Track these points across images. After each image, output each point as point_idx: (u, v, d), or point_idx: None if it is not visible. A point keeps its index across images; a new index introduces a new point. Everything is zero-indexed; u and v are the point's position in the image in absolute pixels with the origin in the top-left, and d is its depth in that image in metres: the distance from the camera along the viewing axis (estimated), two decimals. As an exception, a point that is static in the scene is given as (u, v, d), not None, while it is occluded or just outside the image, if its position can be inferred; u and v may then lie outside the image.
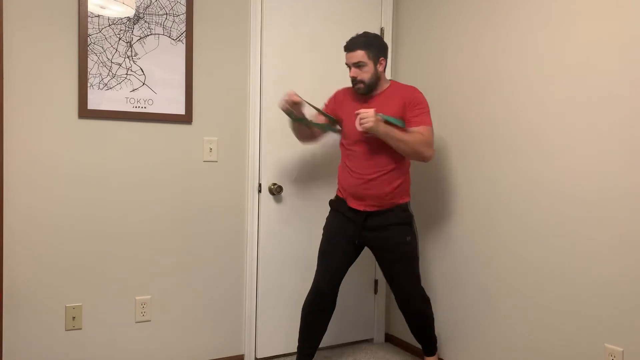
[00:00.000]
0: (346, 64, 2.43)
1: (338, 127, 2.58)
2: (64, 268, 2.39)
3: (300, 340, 2.56)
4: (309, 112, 2.49)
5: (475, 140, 2.60)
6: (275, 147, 2.83)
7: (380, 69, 2.41)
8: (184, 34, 2.58)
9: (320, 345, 2.97)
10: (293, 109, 2.41)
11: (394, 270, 2.48)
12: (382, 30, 3.09)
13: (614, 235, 2.02)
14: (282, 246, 2.88)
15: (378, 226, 2.43)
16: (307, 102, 2.42)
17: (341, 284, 2.86)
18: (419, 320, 2.56)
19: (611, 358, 2.02)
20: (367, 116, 2.22)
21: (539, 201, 2.29)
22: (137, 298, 2.55)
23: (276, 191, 2.81)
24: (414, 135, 2.34)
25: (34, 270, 2.33)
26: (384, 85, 2.47)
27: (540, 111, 2.28)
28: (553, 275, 2.24)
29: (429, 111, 2.43)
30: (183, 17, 2.57)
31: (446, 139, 2.76)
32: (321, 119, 2.55)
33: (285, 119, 2.83)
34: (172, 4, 2.55)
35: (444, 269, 2.79)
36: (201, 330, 2.71)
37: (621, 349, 1.99)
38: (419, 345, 2.94)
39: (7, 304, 2.28)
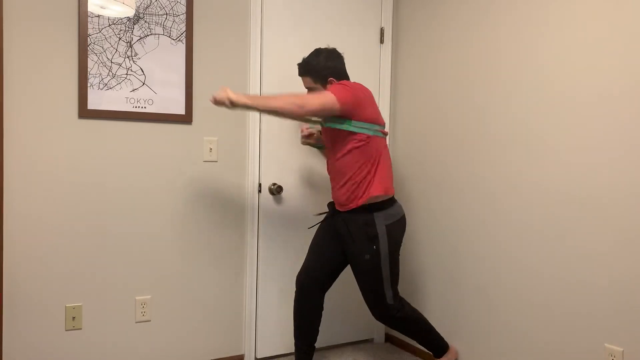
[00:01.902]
0: None
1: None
2: (64, 268, 2.39)
3: (295, 338, 2.57)
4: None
5: (475, 140, 2.60)
6: (275, 147, 2.84)
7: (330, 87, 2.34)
8: (184, 34, 2.58)
9: (321, 345, 2.98)
10: (311, 140, 2.54)
11: (358, 282, 2.45)
12: (382, 30, 3.09)
13: (613, 234, 2.02)
14: (282, 246, 2.88)
15: (343, 233, 2.42)
16: (314, 126, 2.53)
17: (341, 285, 2.87)
18: (400, 330, 2.50)
19: (611, 358, 2.02)
20: (220, 91, 2.12)
21: (537, 201, 2.29)
22: (137, 298, 2.55)
23: (276, 191, 2.81)
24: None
25: (34, 271, 2.33)
26: None
27: (538, 111, 2.28)
28: (552, 275, 2.24)
29: (334, 89, 2.24)
30: (183, 17, 2.57)
31: (444, 137, 2.76)
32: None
33: (285, 119, 2.85)
34: (172, 4, 2.55)
35: (441, 269, 2.79)
36: (201, 330, 2.71)
37: (621, 349, 1.99)
38: (418, 345, 2.95)
39: (7, 304, 2.28)
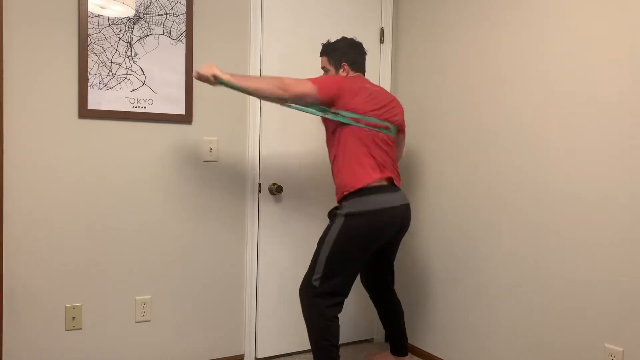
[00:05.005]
0: None
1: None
2: (64, 268, 2.39)
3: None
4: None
5: (475, 140, 2.60)
6: (275, 147, 2.84)
7: (343, 73, 2.46)
8: (184, 34, 2.58)
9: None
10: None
11: None
12: (382, 30, 3.09)
13: (614, 234, 2.02)
14: (282, 246, 2.88)
15: None
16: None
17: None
18: (303, 313, 2.34)
19: (611, 358, 2.02)
20: (205, 66, 2.12)
21: (539, 201, 2.29)
22: (137, 298, 2.55)
23: (276, 191, 2.81)
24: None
25: (34, 270, 2.33)
26: None
27: (540, 111, 2.28)
28: (553, 275, 2.24)
29: (319, 78, 2.28)
30: (183, 17, 2.57)
31: (446, 138, 2.76)
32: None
33: (285, 119, 2.84)
34: (172, 4, 2.55)
35: (443, 268, 2.79)
36: (201, 330, 2.71)
37: (621, 349, 1.99)
38: (419, 346, 2.95)
39: (7, 303, 2.28)
